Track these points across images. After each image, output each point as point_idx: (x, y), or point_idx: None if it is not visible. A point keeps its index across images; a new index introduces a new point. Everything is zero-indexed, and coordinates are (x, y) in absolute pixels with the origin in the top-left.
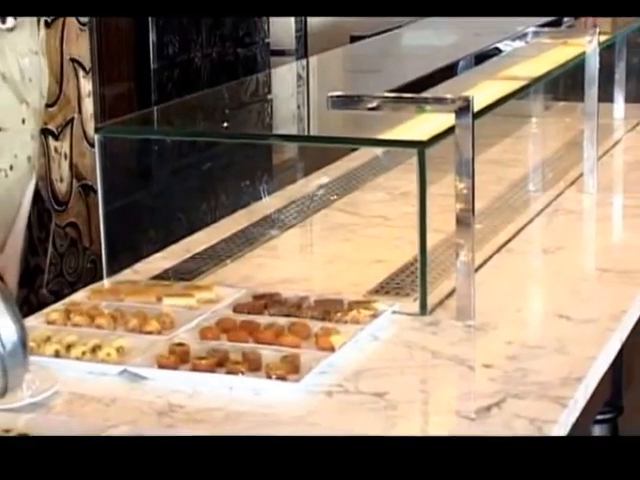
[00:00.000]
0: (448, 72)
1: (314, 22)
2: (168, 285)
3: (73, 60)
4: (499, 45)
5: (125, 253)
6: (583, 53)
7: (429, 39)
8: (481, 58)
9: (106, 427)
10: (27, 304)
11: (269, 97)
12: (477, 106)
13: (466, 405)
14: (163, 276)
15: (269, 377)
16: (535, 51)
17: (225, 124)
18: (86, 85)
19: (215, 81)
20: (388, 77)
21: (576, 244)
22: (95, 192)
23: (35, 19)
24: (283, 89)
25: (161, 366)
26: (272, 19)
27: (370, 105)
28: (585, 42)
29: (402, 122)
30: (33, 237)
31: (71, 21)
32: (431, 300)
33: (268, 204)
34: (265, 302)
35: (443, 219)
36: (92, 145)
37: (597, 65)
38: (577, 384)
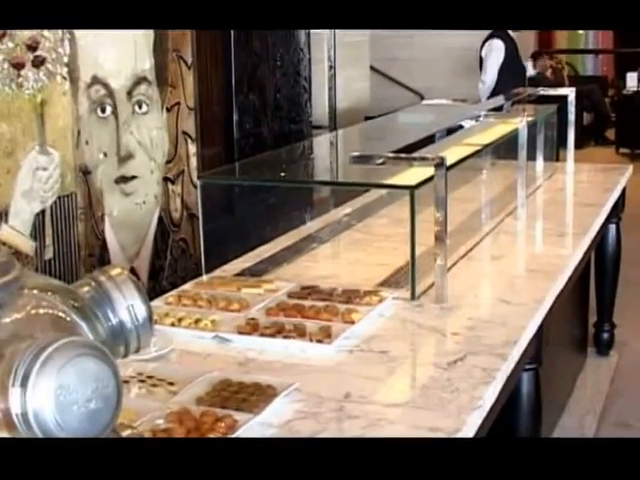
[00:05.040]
0: (429, 140)
1: (341, 107)
2: (245, 280)
3: (184, 132)
4: (462, 123)
5: (217, 258)
6: (516, 129)
7: (417, 118)
8: (450, 131)
9: (204, 372)
10: (153, 291)
11: (311, 156)
12: (449, 162)
13: (440, 359)
14: (242, 274)
15: (311, 341)
16: (485, 127)
17: (283, 174)
18: (192, 148)
19: (276, 146)
20: (390, 143)
21: (513, 254)
22: (197, 218)
23: (160, 107)
24: (320, 151)
25: (240, 333)
26: (314, 106)
27: (378, 161)
28: (518, 122)
29: (399, 173)
30: (158, 247)
31: (183, 107)
32: (418, 290)
33: (310, 226)
34: (309, 291)
35: (426, 237)
36: (196, 187)
37: (525, 136)
38: (513, 345)
